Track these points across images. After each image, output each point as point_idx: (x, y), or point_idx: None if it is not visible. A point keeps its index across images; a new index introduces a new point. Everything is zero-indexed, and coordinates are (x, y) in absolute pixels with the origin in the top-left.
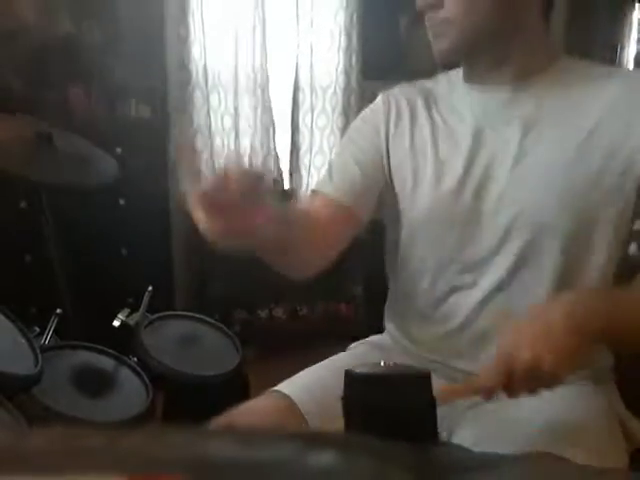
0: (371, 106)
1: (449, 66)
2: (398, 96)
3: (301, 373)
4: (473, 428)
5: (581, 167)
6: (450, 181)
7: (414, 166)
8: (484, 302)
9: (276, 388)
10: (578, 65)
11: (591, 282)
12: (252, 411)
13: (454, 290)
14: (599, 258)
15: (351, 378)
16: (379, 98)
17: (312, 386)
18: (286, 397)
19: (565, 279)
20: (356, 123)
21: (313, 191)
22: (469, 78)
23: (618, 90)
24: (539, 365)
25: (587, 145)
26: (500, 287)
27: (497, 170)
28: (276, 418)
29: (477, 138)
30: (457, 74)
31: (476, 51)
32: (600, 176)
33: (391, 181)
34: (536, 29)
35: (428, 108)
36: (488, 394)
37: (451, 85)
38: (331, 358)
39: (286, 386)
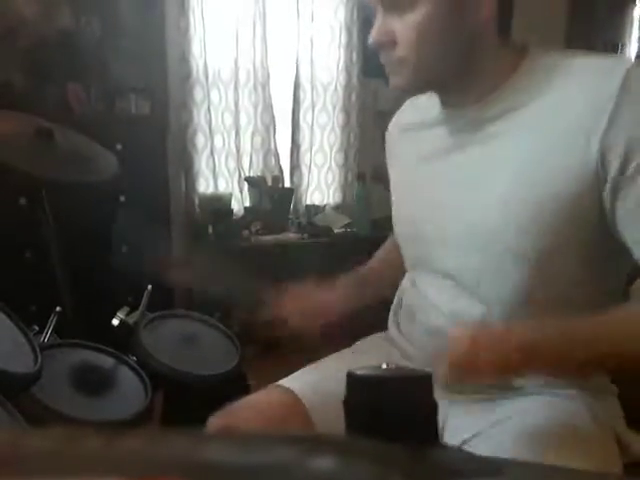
0: None
1: None
2: (392, 126)
3: (304, 368)
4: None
5: (548, 179)
6: (412, 203)
7: (394, 186)
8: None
9: (279, 382)
10: (541, 65)
11: (569, 295)
12: (255, 405)
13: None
14: (577, 271)
15: (352, 380)
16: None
17: (315, 381)
18: (289, 391)
19: (540, 293)
20: None
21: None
22: (441, 100)
23: (580, 87)
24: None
25: (553, 155)
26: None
27: (467, 189)
28: (279, 412)
29: (448, 158)
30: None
31: (433, 83)
32: (570, 182)
33: None
34: (493, 47)
35: (411, 127)
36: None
37: (431, 103)
38: (334, 354)
39: (290, 381)
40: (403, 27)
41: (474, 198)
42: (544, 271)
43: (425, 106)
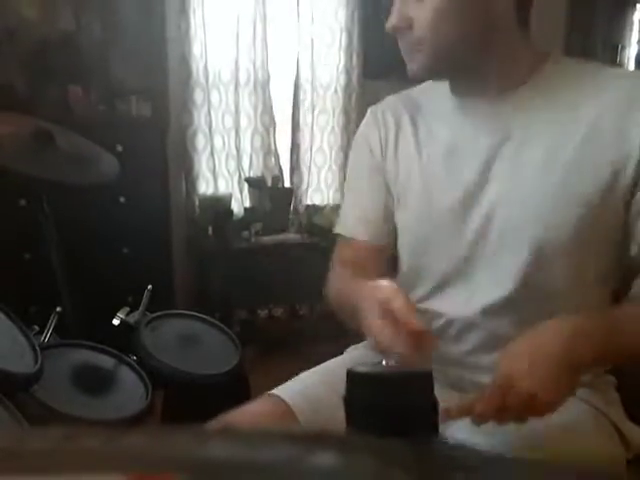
0: (361, 129)
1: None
2: (385, 111)
3: (297, 377)
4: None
5: (568, 180)
6: (435, 195)
7: (402, 181)
8: (483, 312)
9: (272, 392)
10: (567, 68)
11: (592, 292)
12: (248, 414)
13: (452, 301)
14: (596, 268)
15: (352, 377)
16: (368, 117)
17: (308, 391)
18: (282, 401)
19: (565, 289)
20: (354, 158)
21: (340, 236)
22: (454, 89)
23: (607, 95)
24: (536, 396)
25: (574, 158)
26: (500, 299)
27: (480, 184)
28: (271, 422)
29: (459, 152)
30: (445, 84)
31: (451, 68)
32: (592, 185)
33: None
34: (513, 39)
35: (413, 120)
36: (480, 419)
37: (437, 95)
38: (327, 362)
39: (282, 390)
40: (421, 11)
41: (496, 194)
42: (572, 262)
43: (435, 93)
